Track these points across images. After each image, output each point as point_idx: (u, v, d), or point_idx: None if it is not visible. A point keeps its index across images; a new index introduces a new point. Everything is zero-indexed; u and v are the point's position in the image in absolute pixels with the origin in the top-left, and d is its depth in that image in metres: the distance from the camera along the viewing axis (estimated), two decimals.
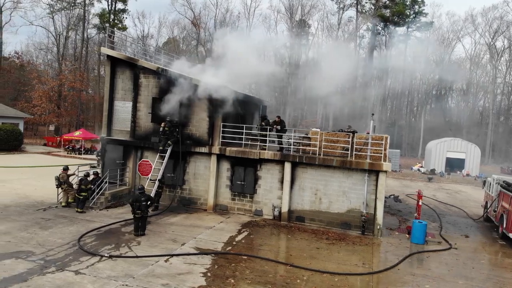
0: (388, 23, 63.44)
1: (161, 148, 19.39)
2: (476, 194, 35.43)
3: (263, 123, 19.44)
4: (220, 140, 19.69)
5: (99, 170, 20.40)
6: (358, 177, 17.73)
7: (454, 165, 52.12)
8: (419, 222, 17.25)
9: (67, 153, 43.61)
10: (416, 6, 65.17)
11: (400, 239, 17.55)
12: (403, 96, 79.77)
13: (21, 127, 46.30)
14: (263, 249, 14.91)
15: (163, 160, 19.47)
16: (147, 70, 20.47)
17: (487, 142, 72.03)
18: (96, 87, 71.76)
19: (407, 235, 18.02)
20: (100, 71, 70.49)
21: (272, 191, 19.19)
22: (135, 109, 20.75)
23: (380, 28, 65.04)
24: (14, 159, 36.05)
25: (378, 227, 17.33)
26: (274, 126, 18.96)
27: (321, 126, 61.83)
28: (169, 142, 19.37)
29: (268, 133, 19.24)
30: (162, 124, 19.16)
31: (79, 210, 17.85)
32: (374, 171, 17.42)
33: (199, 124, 19.96)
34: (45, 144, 50.97)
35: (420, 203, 18.22)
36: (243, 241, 15.58)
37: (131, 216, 17.67)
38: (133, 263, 12.45)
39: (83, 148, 44.57)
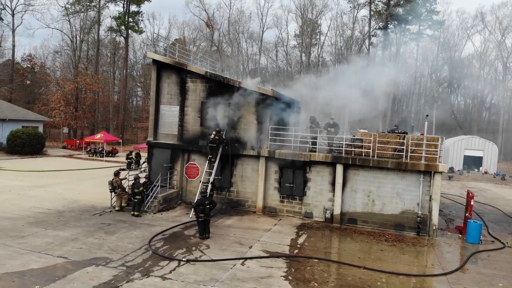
0: (400, 22, 63.55)
1: (212, 159, 19.48)
2: (502, 192, 35.57)
3: (312, 125, 19.55)
4: (269, 142, 19.80)
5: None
6: (413, 178, 17.86)
7: (471, 162, 52.32)
8: (474, 222, 17.41)
9: (89, 156, 43.70)
10: (428, 4, 65.22)
11: (454, 239, 17.69)
12: (413, 94, 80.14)
13: (40, 130, 46.41)
14: (329, 252, 15.09)
15: (211, 163, 19.60)
16: (194, 74, 20.58)
17: (498, 140, 72.18)
18: (108, 89, 71.85)
19: (459, 235, 18.18)
20: (116, 74, 70.65)
21: (322, 194, 19.30)
22: (182, 113, 20.86)
23: (393, 27, 65.14)
24: (40, 162, 36.18)
25: (434, 227, 17.46)
26: (329, 128, 19.07)
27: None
28: (212, 160, 19.57)
29: (318, 135, 19.36)
30: (213, 133, 19.17)
31: (135, 213, 17.97)
32: (428, 172, 17.56)
33: (248, 127, 20.07)
34: (64, 147, 51.09)
35: (472, 203, 18.33)
36: (306, 243, 15.71)
37: (188, 219, 18.03)
38: (212, 267, 12.57)
39: (105, 151, 44.65)
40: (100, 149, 44.89)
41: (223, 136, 19.73)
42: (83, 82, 55.15)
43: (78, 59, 62.27)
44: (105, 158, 42.63)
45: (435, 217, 17.50)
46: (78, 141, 51.68)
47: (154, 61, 21.12)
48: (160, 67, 21.16)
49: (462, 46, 77.85)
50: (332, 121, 19.35)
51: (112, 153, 45.66)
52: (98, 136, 45.54)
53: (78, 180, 27.37)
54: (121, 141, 52.19)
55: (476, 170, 51.52)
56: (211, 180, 19.08)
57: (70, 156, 43.76)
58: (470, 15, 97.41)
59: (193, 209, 16.01)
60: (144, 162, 32.97)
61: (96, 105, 61.78)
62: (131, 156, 33.71)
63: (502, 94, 76.02)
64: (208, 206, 15.44)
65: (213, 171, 19.37)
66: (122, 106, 65.27)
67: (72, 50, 63.66)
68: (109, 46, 74.16)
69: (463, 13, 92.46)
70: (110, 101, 69.68)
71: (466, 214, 18.59)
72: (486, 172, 50.60)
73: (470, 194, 18.59)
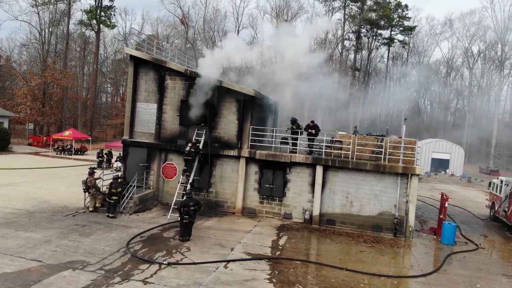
0: (373, 26, 64.83)
1: (187, 173, 18.94)
2: (469, 194, 36.89)
3: (293, 126, 19.54)
4: (250, 143, 19.64)
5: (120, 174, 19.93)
6: (390, 181, 18.13)
7: (438, 165, 54.04)
8: (449, 223, 17.86)
9: (57, 154, 42.18)
10: (400, 10, 66.86)
11: (430, 240, 18.10)
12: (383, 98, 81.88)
13: (5, 126, 44.45)
14: (310, 253, 15.11)
15: (187, 177, 19.17)
16: (173, 72, 20.14)
17: (464, 143, 74.81)
18: (77, 84, 69.69)
19: (434, 236, 18.61)
20: (85, 69, 68.47)
21: (302, 195, 19.32)
22: (160, 111, 20.37)
23: (366, 31, 66.38)
24: (5, 160, 34.61)
25: (410, 229, 17.81)
26: (309, 130, 19.10)
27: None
28: (187, 174, 18.92)
29: (299, 136, 19.36)
30: (189, 145, 18.64)
31: (110, 215, 17.38)
32: (406, 175, 17.87)
33: (228, 127, 19.83)
34: (30, 144, 49.11)
35: (446, 205, 18.79)
36: (287, 245, 15.65)
37: (165, 221, 17.62)
38: (195, 270, 12.29)
39: (73, 148, 43.21)
40: (68, 147, 43.40)
41: (200, 147, 19.20)
42: (51, 77, 53.16)
43: (46, 53, 60.01)
44: (73, 156, 41.28)
45: (412, 219, 17.85)
46: (45, 138, 49.78)
47: (132, 57, 20.53)
48: (138, 63, 20.57)
49: (430, 52, 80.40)
50: (312, 123, 19.39)
51: (81, 151, 44.27)
52: (66, 133, 44.00)
53: (47, 178, 26.31)
54: (90, 138, 50.67)
55: (443, 172, 53.26)
56: (190, 180, 18.69)
57: (36, 153, 42.15)
58: (439, 21, 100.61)
59: (177, 210, 15.47)
60: (116, 161, 32.19)
61: (64, 101, 59.69)
62: (102, 155, 32.74)
63: (467, 99, 78.86)
64: (192, 208, 15.08)
65: (192, 173, 18.99)
66: (91, 102, 63.39)
67: (40, 43, 61.29)
68: (79, 40, 71.93)
69: (432, 19, 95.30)
70: (79, 97, 67.59)
71: (440, 216, 19.04)
72: (452, 175, 52.40)
73: (444, 197, 19.03)
